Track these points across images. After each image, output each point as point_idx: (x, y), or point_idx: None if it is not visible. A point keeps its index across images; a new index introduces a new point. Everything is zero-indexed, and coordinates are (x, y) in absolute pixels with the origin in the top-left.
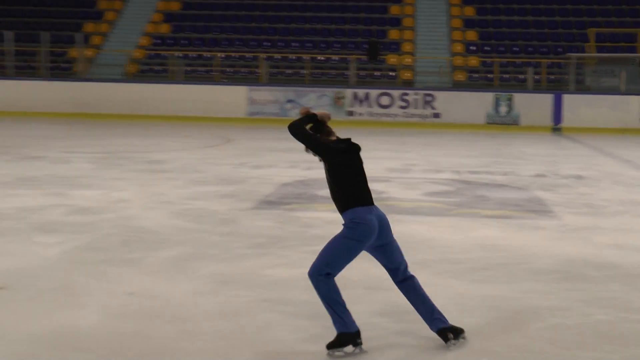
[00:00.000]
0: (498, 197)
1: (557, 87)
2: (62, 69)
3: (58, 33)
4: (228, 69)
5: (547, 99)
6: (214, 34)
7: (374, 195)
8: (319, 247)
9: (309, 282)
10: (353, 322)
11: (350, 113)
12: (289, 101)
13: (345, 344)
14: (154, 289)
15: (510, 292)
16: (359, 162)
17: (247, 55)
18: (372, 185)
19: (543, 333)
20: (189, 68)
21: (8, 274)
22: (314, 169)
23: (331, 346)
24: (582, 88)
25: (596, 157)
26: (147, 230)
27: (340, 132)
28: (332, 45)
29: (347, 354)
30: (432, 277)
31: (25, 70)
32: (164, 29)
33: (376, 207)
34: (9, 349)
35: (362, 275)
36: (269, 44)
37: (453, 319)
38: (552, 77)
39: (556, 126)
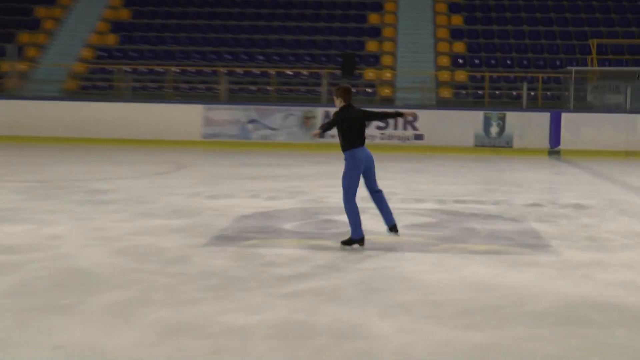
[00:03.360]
0: (488, 229)
1: (555, 105)
2: None
3: None
4: (182, 85)
5: (543, 119)
6: (168, 46)
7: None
8: (283, 290)
9: (270, 330)
10: (362, 232)
11: (321, 134)
12: (252, 121)
13: (352, 244)
14: (89, 341)
15: (502, 339)
16: (352, 122)
17: (204, 69)
18: (341, 217)
19: None
20: (137, 84)
21: None
22: (278, 198)
23: (344, 243)
24: (583, 106)
25: (599, 183)
26: (84, 271)
27: (310, 158)
28: (302, 58)
29: (354, 249)
30: (411, 323)
31: None
32: (111, 40)
33: (364, 148)
34: None
35: (330, 320)
36: (230, 57)
37: None
38: (550, 93)
39: (554, 149)
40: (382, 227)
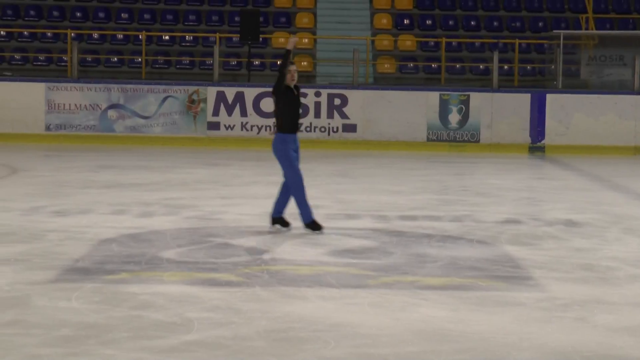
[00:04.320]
0: (446, 255)
1: (537, 82)
2: None
3: None
4: (15, 56)
5: (522, 102)
6: None
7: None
8: (164, 343)
9: None
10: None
11: (214, 125)
12: (114, 107)
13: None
14: None
15: None
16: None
17: (47, 33)
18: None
19: None
20: None
21: None
22: (154, 215)
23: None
24: (575, 84)
25: (597, 191)
26: None
27: (198, 157)
28: (185, 18)
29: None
30: None
31: None
32: None
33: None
34: None
35: None
36: (80, 14)
37: None
38: (530, 67)
39: (536, 144)
40: (302, 254)
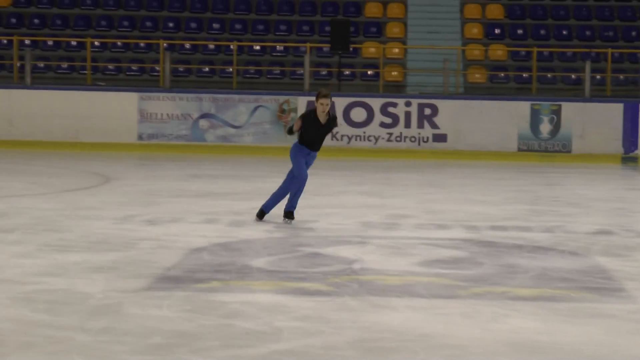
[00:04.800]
0: (537, 266)
1: (629, 92)
2: None
3: None
4: (106, 66)
5: (614, 112)
6: (82, 9)
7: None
8: (254, 351)
9: None
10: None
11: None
12: (205, 116)
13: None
14: None
15: None
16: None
17: (140, 43)
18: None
19: None
20: (41, 63)
21: None
22: (245, 224)
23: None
24: None
25: None
26: None
27: (287, 168)
28: (276, 28)
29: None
30: None
31: None
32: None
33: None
34: None
35: None
36: (173, 24)
37: None
38: (623, 77)
39: (629, 154)
40: (392, 264)
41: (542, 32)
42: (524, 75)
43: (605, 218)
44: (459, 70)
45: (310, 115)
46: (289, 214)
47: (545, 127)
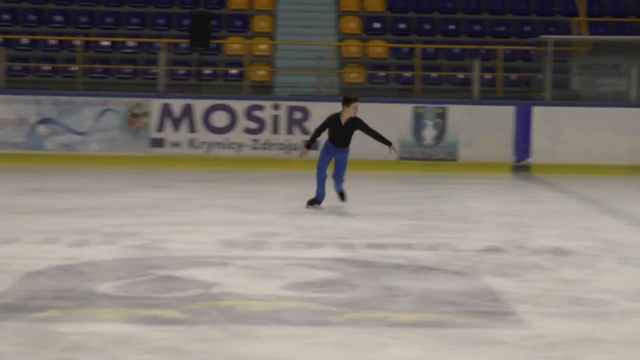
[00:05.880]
0: (420, 289)
1: (523, 94)
2: None
3: None
4: None
5: (506, 115)
6: None
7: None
8: None
9: None
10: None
11: (158, 142)
12: (45, 121)
13: (314, 203)
14: None
15: None
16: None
17: None
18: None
19: None
20: None
21: None
22: (89, 244)
23: (309, 203)
24: (565, 96)
25: (589, 215)
26: None
27: (141, 179)
28: (127, 21)
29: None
30: None
31: None
32: None
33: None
34: None
35: None
36: (9, 17)
37: None
38: (515, 76)
39: (521, 162)
40: (257, 288)
41: (427, 26)
42: (406, 74)
43: (495, 234)
44: (333, 69)
45: (333, 118)
46: (340, 195)
47: (429, 133)
